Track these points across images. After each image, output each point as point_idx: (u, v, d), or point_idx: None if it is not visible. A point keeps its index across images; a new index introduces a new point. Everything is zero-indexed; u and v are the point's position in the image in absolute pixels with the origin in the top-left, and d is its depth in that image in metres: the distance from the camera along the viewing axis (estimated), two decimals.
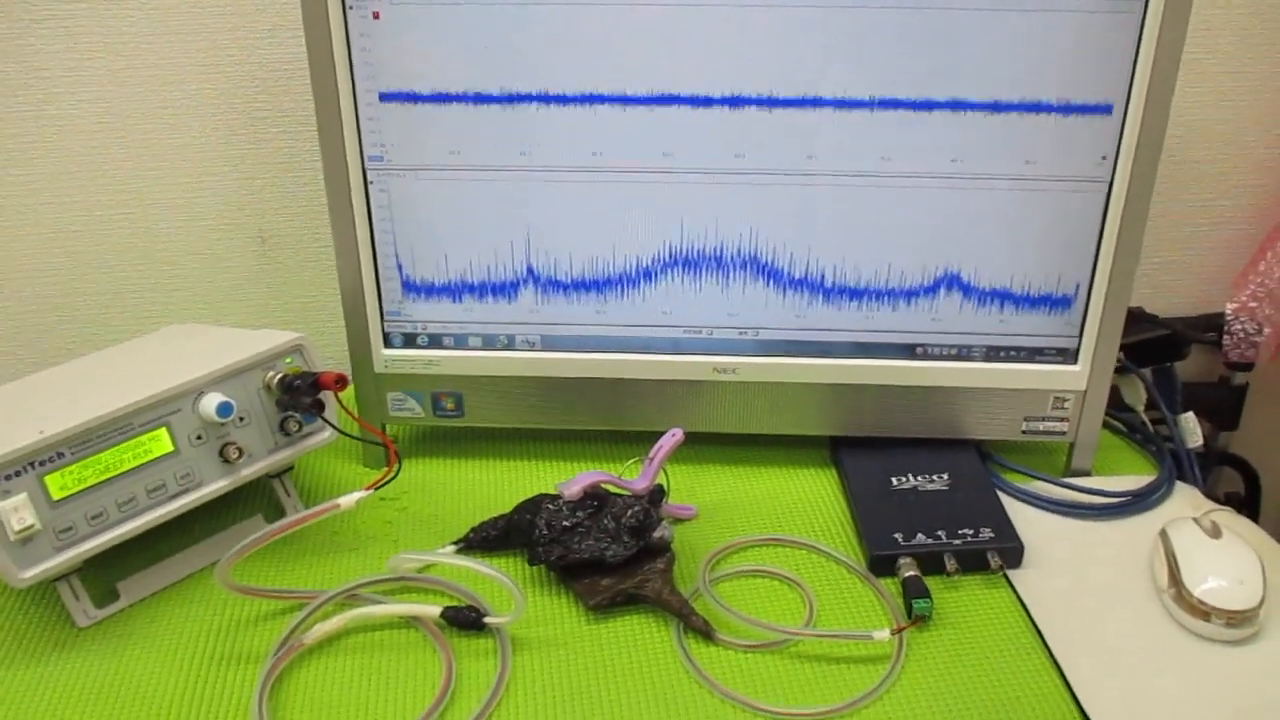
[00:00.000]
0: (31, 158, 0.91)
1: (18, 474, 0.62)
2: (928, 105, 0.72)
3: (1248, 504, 1.11)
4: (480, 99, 0.73)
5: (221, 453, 0.70)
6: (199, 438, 0.69)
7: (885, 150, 0.73)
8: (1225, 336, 1.05)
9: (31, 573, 0.63)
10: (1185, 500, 0.81)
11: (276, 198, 0.96)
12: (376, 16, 0.71)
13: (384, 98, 0.74)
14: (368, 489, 0.68)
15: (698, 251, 0.77)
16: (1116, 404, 0.92)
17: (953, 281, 0.77)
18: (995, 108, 0.72)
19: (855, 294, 0.78)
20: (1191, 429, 0.90)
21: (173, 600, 0.71)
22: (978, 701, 0.62)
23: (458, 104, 0.73)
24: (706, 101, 0.73)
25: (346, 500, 0.67)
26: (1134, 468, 0.86)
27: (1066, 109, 0.71)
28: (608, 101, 0.73)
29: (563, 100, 0.73)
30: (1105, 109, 0.72)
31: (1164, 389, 0.92)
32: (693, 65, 0.72)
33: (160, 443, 0.68)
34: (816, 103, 0.72)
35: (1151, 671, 0.64)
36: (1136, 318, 0.99)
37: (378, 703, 0.62)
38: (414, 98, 0.73)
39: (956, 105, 0.72)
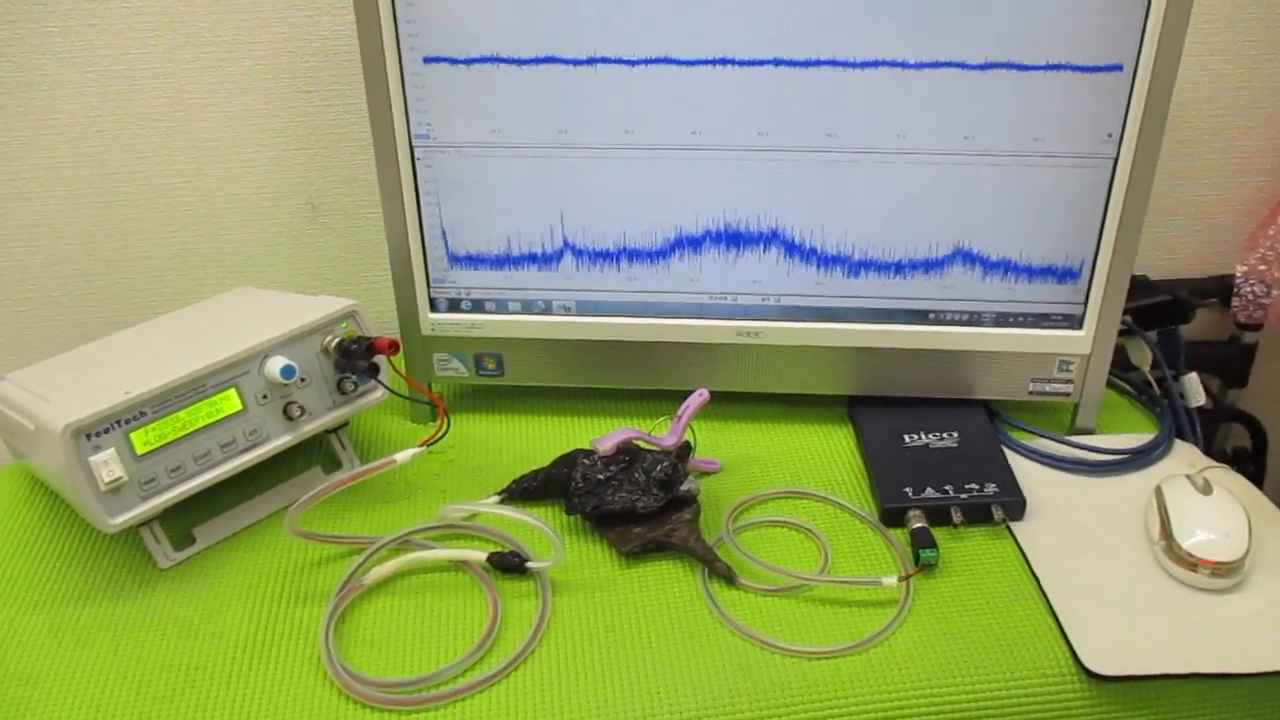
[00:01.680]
0: (99, 129, 0.97)
1: (107, 431, 0.69)
2: (942, 64, 0.75)
3: (1255, 459, 1.15)
4: (519, 62, 0.77)
5: (285, 411, 0.77)
6: (265, 397, 0.76)
7: (901, 128, 0.77)
8: (1235, 298, 1.08)
9: (120, 519, 0.70)
10: (1184, 458, 0.86)
11: (326, 167, 1.01)
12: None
13: (427, 60, 0.78)
14: (421, 445, 0.74)
15: (724, 224, 0.82)
16: (1123, 364, 0.96)
17: (964, 252, 0.81)
18: (1010, 67, 0.75)
19: (871, 264, 0.82)
20: (1194, 389, 0.93)
21: (243, 544, 0.78)
22: (977, 642, 0.68)
23: (496, 65, 0.77)
24: (733, 61, 0.76)
25: (402, 456, 0.73)
26: (1137, 426, 0.90)
27: (1078, 68, 0.74)
28: (636, 64, 0.76)
29: (595, 62, 0.77)
30: (1116, 67, 0.74)
31: (1169, 350, 0.96)
32: (720, 28, 0.75)
33: (230, 402, 0.74)
34: (834, 64, 0.75)
35: (1139, 617, 0.69)
36: (1143, 285, 1.02)
37: (431, 638, 0.69)
38: (454, 61, 0.77)
39: (968, 66, 0.75)
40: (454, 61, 0.78)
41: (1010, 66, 0.75)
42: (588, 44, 0.76)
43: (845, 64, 0.76)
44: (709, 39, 0.76)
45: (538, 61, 0.77)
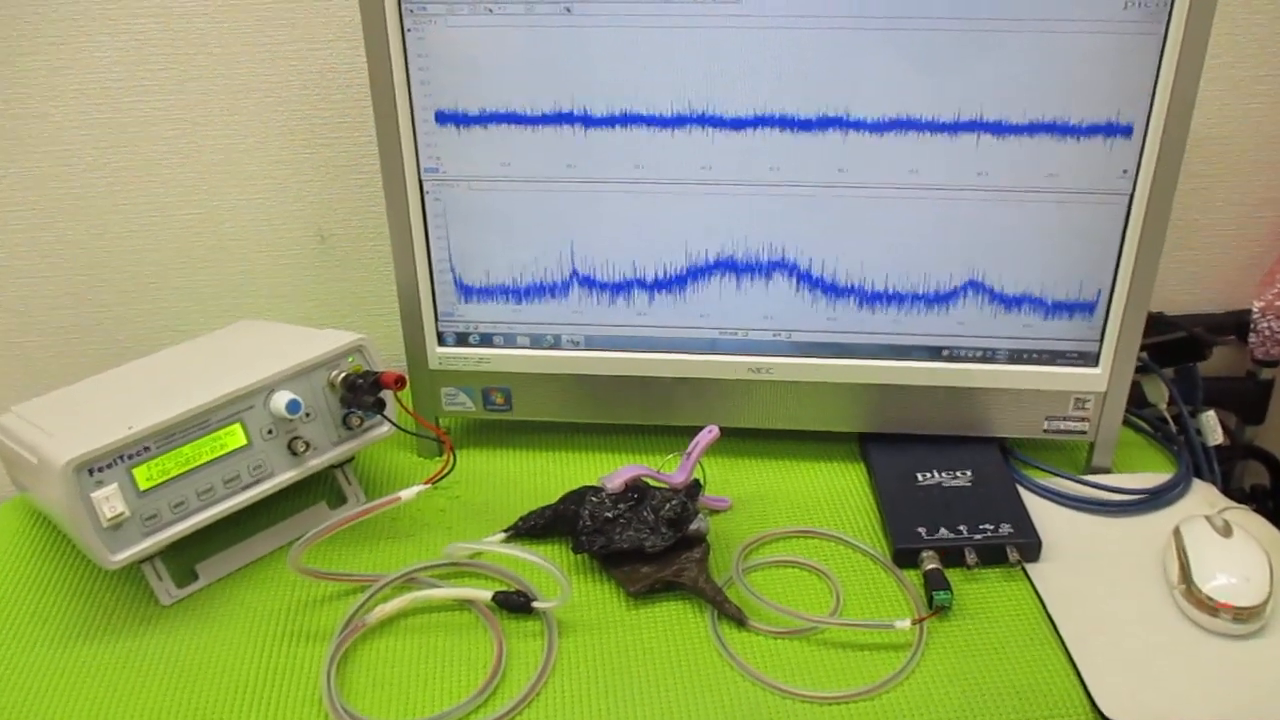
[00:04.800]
0: (108, 161, 0.97)
1: (109, 466, 0.68)
2: (953, 127, 0.75)
3: (1274, 496, 1.13)
4: (529, 120, 0.78)
5: (290, 446, 0.76)
6: (270, 432, 0.75)
7: (913, 164, 0.77)
8: (1252, 334, 1.07)
9: (121, 556, 0.69)
10: (1202, 498, 0.84)
11: (335, 199, 1.01)
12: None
13: (440, 118, 0.78)
14: (426, 483, 0.74)
15: (734, 258, 0.81)
16: (1139, 401, 0.95)
17: (978, 288, 0.81)
18: (1019, 129, 0.75)
19: (884, 299, 0.82)
20: (1211, 427, 0.92)
21: (246, 581, 0.77)
22: (992, 689, 0.66)
23: (507, 124, 0.78)
24: (742, 123, 0.76)
25: (407, 493, 0.72)
26: (1154, 465, 0.89)
27: (1089, 130, 0.74)
28: (650, 123, 0.77)
29: (609, 122, 0.77)
30: (1125, 130, 0.74)
31: (1185, 387, 0.95)
32: (730, 86, 0.75)
33: (235, 437, 0.73)
34: (846, 124, 0.76)
35: (1159, 663, 0.68)
36: (1158, 321, 1.01)
37: (434, 679, 0.68)
38: (467, 120, 0.78)
39: (980, 127, 0.75)
40: (467, 121, 0.78)
41: (1021, 129, 0.75)
42: (600, 101, 0.77)
43: (848, 124, 0.76)
44: (705, 97, 0.76)
45: (550, 120, 0.78)
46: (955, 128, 0.75)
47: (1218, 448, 0.92)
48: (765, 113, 0.76)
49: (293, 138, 0.98)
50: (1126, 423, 0.93)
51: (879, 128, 0.76)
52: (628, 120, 0.77)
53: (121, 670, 0.69)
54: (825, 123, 0.76)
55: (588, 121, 0.77)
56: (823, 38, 0.73)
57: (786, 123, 0.76)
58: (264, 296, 1.05)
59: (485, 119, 0.78)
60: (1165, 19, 0.71)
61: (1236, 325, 1.09)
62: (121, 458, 0.68)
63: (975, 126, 0.75)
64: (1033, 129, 0.75)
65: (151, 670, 0.69)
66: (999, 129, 0.75)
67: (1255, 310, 1.06)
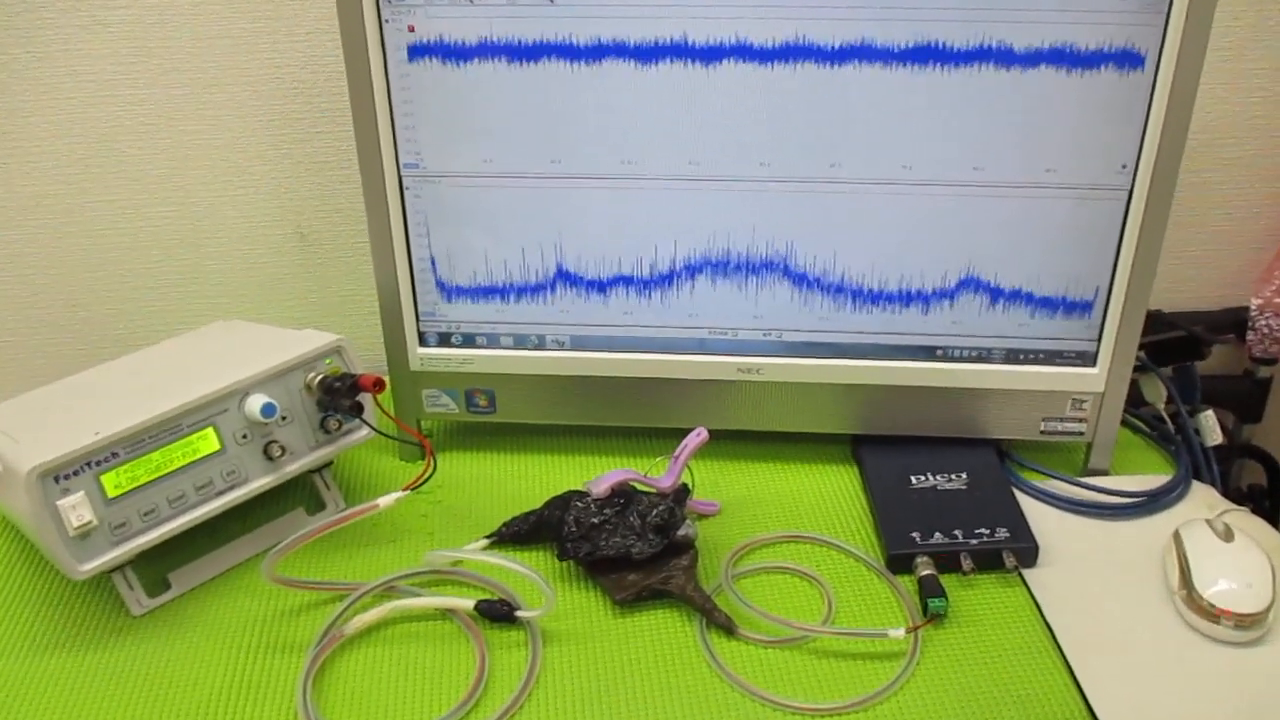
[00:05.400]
0: (81, 157, 0.94)
1: (76, 473, 0.66)
2: (949, 120, 0.73)
3: (1271, 496, 1.12)
4: (511, 114, 0.75)
5: (265, 451, 0.74)
6: (244, 437, 0.73)
7: (907, 159, 0.75)
8: (1250, 332, 1.06)
9: (89, 566, 0.67)
10: (1201, 500, 0.83)
11: (315, 195, 0.98)
12: (411, 29, 0.74)
13: (419, 113, 0.76)
14: (405, 489, 0.72)
15: (723, 256, 0.79)
16: (1136, 400, 0.93)
17: (973, 286, 0.79)
18: (1016, 123, 0.73)
19: (877, 298, 0.80)
20: (1210, 427, 0.90)
21: (221, 590, 0.74)
22: (989, 699, 0.65)
23: (489, 118, 0.76)
24: (731, 116, 0.74)
25: (385, 500, 0.70)
26: (1152, 466, 0.87)
27: (1087, 124, 0.73)
28: (637, 116, 0.75)
29: (594, 115, 0.75)
30: (1124, 123, 0.73)
31: (1184, 387, 0.93)
32: (718, 76, 0.73)
33: (208, 442, 0.71)
34: (837, 117, 0.74)
35: (1160, 672, 0.66)
36: (1156, 320, 0.99)
37: (415, 692, 0.66)
38: (448, 113, 0.76)
39: (976, 120, 0.73)
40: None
41: (1021, 122, 0.73)
42: (586, 99, 0.74)
43: (849, 118, 0.74)
44: (714, 93, 0.74)
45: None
46: (951, 121, 0.73)
47: (1215, 447, 0.90)
48: (755, 106, 0.74)
49: (270, 132, 0.95)
50: (1123, 423, 0.91)
51: (872, 121, 0.74)
52: (613, 113, 0.75)
53: (91, 682, 0.67)
54: (816, 116, 0.74)
55: (572, 115, 0.75)
56: (815, 28, 0.71)
57: (777, 115, 0.74)
58: (242, 296, 1.03)
59: (467, 112, 0.76)
60: (1166, 9, 0.69)
61: (1233, 323, 1.07)
62: (89, 464, 0.66)
63: (971, 120, 0.73)
64: (1030, 122, 0.73)
65: (122, 682, 0.67)
66: (995, 122, 0.73)
67: (1253, 308, 1.05)
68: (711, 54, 0.73)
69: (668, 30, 0.72)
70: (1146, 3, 0.69)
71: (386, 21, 0.74)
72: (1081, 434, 0.83)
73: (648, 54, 0.73)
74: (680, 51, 0.73)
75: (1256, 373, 1.09)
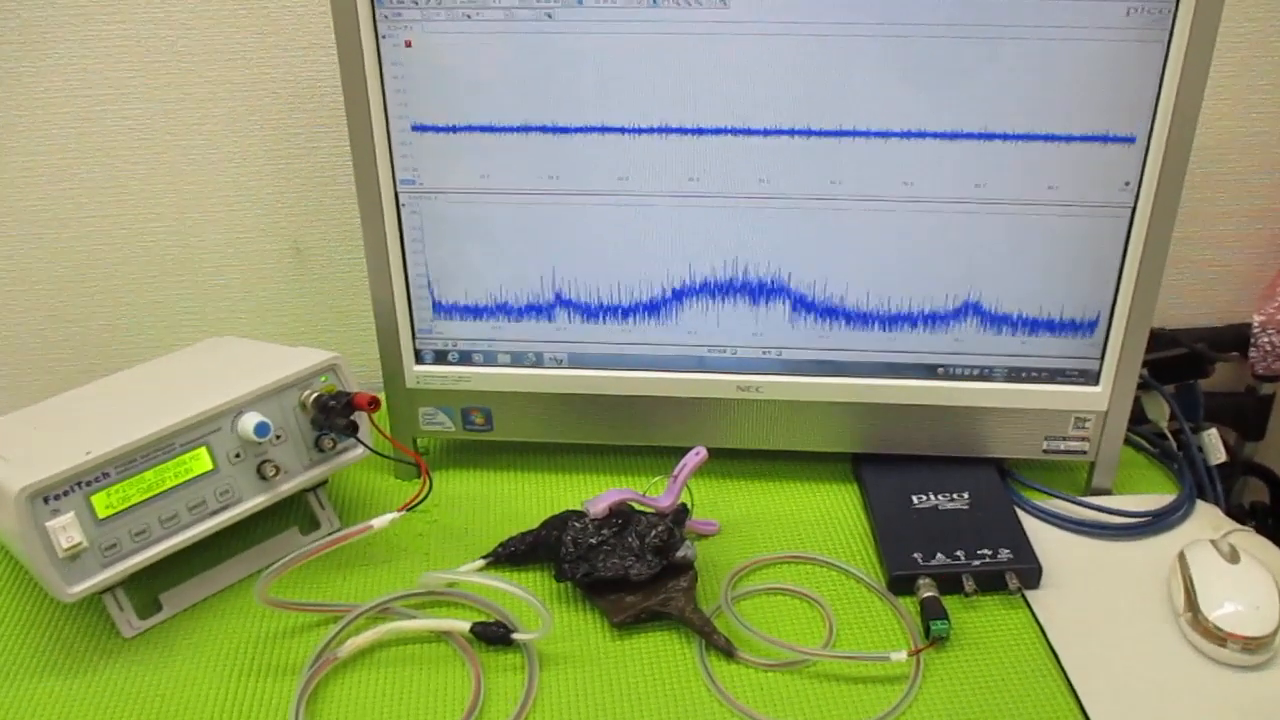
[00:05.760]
0: (75, 171, 0.94)
1: (66, 494, 0.65)
2: (950, 137, 0.72)
3: (1274, 514, 1.11)
4: (510, 130, 0.75)
5: (259, 470, 0.73)
6: (237, 456, 0.72)
7: (908, 175, 0.74)
8: (1252, 349, 1.05)
9: (79, 588, 0.65)
10: (1205, 520, 0.82)
11: (311, 211, 0.98)
12: (409, 45, 0.73)
13: (416, 128, 0.75)
14: (400, 510, 0.71)
15: (722, 274, 0.79)
16: (1137, 417, 0.92)
17: (975, 305, 0.78)
18: (1018, 140, 0.72)
19: (877, 316, 0.79)
20: (1214, 445, 0.90)
21: (213, 611, 0.73)
22: None
23: (488, 134, 0.75)
24: (730, 133, 0.74)
25: (380, 521, 0.69)
26: (1154, 485, 0.86)
27: (1090, 141, 0.72)
28: (637, 133, 0.74)
29: (592, 131, 0.74)
30: (1128, 140, 0.72)
31: (1187, 405, 0.92)
32: (718, 94, 0.73)
33: (200, 461, 0.70)
34: (839, 133, 0.73)
35: (1166, 696, 0.65)
36: (1159, 337, 0.98)
37: (409, 716, 0.64)
38: (446, 129, 0.75)
39: (978, 137, 0.72)
40: (446, 130, 0.75)
41: (1021, 138, 0.73)
42: (585, 111, 0.74)
43: (843, 133, 0.73)
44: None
45: (532, 130, 0.75)
46: (952, 138, 0.73)
47: (1217, 465, 0.89)
48: (755, 122, 0.73)
49: (266, 147, 0.95)
50: (1125, 441, 0.90)
51: (873, 138, 0.73)
52: (611, 130, 0.74)
53: (81, 706, 0.66)
54: (817, 133, 0.73)
55: (570, 131, 0.74)
56: (815, 45, 0.71)
57: (777, 132, 0.73)
58: (237, 312, 1.02)
59: (463, 128, 0.75)
60: (1169, 26, 0.68)
61: (1235, 339, 1.07)
62: (79, 484, 0.65)
63: (973, 137, 0.72)
64: (1032, 139, 0.72)
65: (113, 706, 0.66)
66: (997, 140, 0.72)
67: (1255, 324, 1.04)
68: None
69: (668, 46, 0.72)
70: (1151, 18, 0.68)
71: (384, 37, 0.73)
72: (1084, 453, 0.82)
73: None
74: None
75: (1258, 389, 1.08)
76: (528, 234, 0.78)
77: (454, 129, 0.75)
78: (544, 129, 0.75)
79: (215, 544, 0.78)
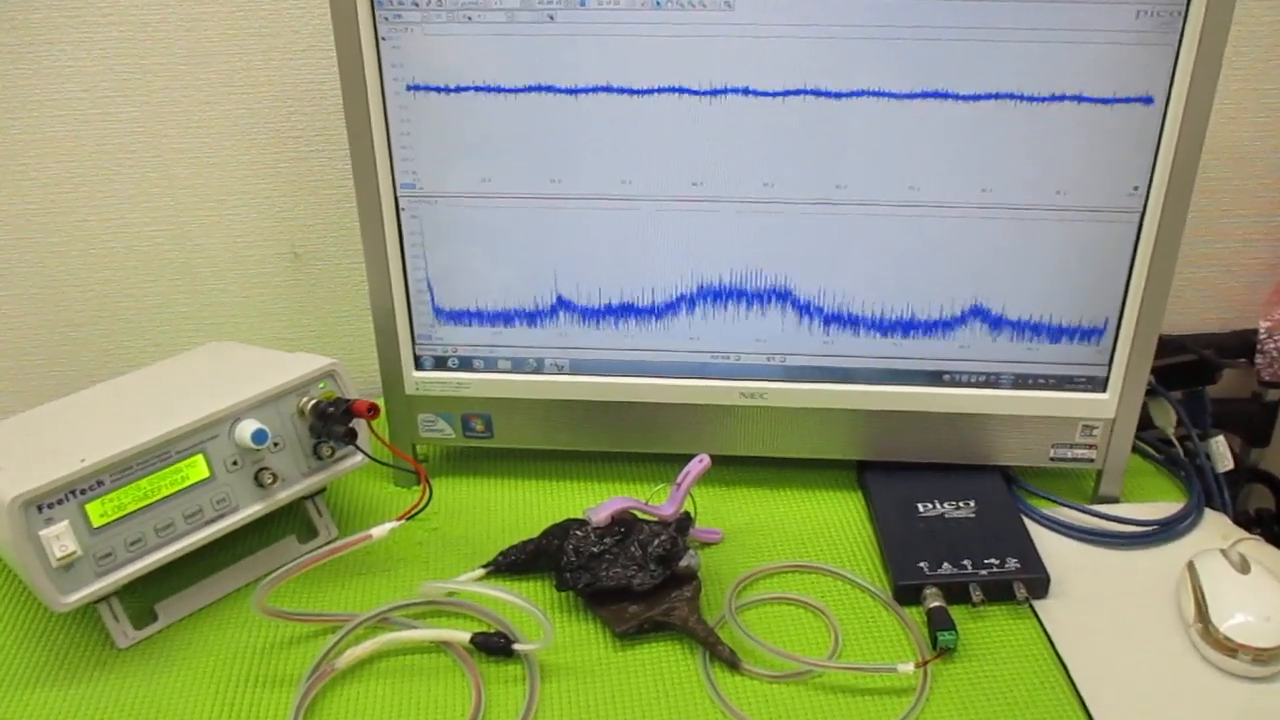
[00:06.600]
0: (71, 175, 0.93)
1: (60, 502, 0.64)
2: (956, 141, 0.72)
3: (1279, 521, 1.10)
4: (512, 133, 0.74)
5: (256, 477, 0.72)
6: (235, 463, 0.71)
7: (914, 180, 0.73)
8: (1258, 355, 1.04)
9: (73, 598, 0.64)
10: (1214, 528, 0.81)
11: (309, 215, 0.97)
12: (409, 47, 0.72)
13: (416, 131, 0.74)
14: (399, 519, 0.70)
15: (726, 279, 0.78)
16: (1143, 424, 0.91)
17: (981, 311, 0.77)
18: (1025, 144, 0.71)
19: (882, 322, 0.78)
20: (1221, 453, 0.89)
21: (209, 621, 0.72)
22: None
23: (489, 137, 0.74)
24: (734, 136, 0.73)
25: (379, 531, 0.68)
26: (1160, 492, 0.85)
27: (1099, 145, 0.71)
28: (639, 137, 0.73)
29: (595, 136, 0.74)
30: (1136, 145, 0.71)
31: (1194, 412, 0.91)
32: (722, 97, 0.72)
33: (197, 469, 0.69)
34: (845, 138, 0.72)
35: (1176, 707, 0.64)
36: (1166, 343, 0.98)
37: None
38: (446, 132, 0.74)
39: (984, 141, 0.71)
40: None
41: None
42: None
43: (854, 138, 0.72)
44: (711, 113, 0.73)
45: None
46: (958, 142, 0.72)
47: (1224, 472, 0.89)
48: (759, 126, 0.72)
49: (264, 150, 0.94)
50: (1133, 449, 0.89)
51: (877, 141, 0.72)
52: (614, 132, 0.73)
53: (76, 717, 0.65)
54: (821, 136, 0.72)
55: (572, 134, 0.74)
56: (821, 47, 0.70)
57: (781, 136, 0.73)
58: (234, 317, 1.01)
59: (464, 131, 0.74)
60: (1179, 29, 0.68)
61: (1240, 345, 1.06)
62: (73, 493, 0.64)
63: (979, 141, 0.72)
64: (1039, 143, 0.71)
65: (107, 717, 0.65)
66: (1004, 144, 0.72)
67: (1262, 330, 1.03)
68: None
69: (671, 49, 0.71)
70: (1161, 21, 0.68)
71: (384, 39, 0.72)
72: (1092, 460, 0.81)
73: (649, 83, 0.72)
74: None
75: (1264, 396, 1.07)
76: (529, 238, 0.78)
77: (454, 132, 0.74)
78: (545, 133, 0.74)
79: (212, 553, 0.77)
